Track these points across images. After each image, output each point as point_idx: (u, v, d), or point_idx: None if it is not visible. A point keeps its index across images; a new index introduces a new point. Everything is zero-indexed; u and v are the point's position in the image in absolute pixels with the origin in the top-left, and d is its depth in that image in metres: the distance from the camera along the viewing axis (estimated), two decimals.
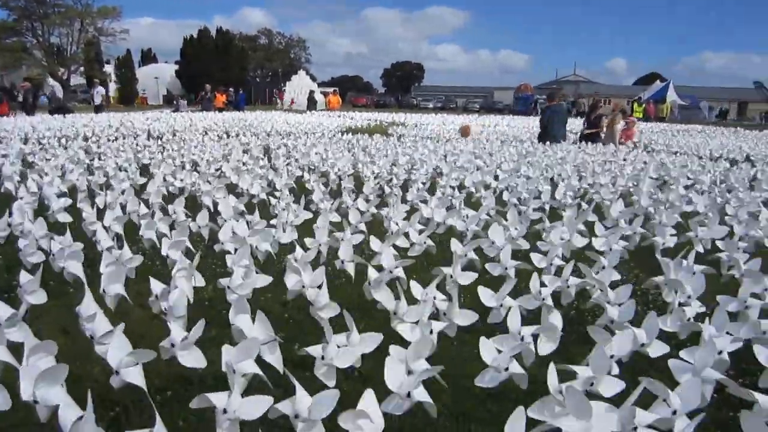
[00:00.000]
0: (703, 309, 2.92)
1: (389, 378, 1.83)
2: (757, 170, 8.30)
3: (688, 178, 7.17)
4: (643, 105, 34.03)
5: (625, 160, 9.06)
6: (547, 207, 5.34)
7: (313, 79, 49.46)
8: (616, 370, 2.20)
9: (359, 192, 5.45)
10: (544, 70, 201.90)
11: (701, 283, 3.02)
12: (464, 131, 14.67)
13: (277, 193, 5.39)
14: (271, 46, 68.70)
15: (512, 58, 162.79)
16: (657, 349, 2.44)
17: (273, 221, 4.16)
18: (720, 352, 2.37)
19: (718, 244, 4.11)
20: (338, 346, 2.04)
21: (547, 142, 11.19)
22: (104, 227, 3.69)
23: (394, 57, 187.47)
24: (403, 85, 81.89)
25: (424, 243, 3.75)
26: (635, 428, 1.77)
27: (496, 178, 6.77)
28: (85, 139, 10.56)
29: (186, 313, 2.22)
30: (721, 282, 3.66)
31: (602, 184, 6.21)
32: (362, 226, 4.15)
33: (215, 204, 4.71)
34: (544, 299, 2.93)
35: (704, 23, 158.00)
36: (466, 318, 2.56)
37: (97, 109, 20.53)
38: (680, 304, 2.95)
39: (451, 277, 2.96)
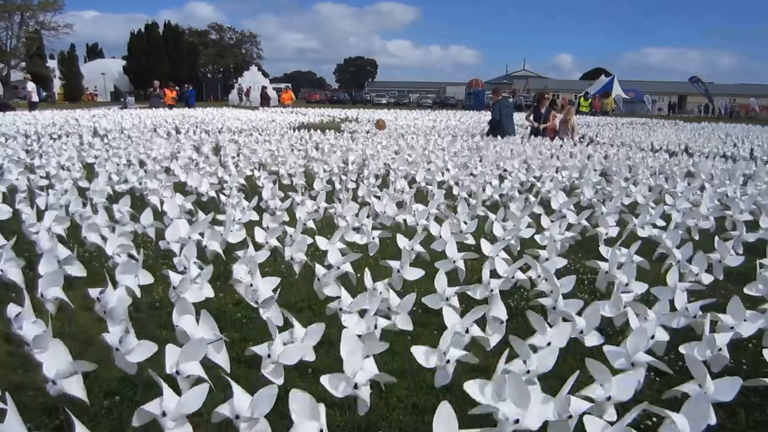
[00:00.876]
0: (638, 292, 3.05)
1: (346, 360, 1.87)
2: (694, 161, 8.66)
3: (630, 170, 7.43)
4: (590, 99, 34.87)
5: (571, 154, 9.30)
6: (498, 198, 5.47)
7: (266, 75, 48.80)
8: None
9: (310, 189, 5.44)
10: (494, 65, 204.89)
11: (642, 271, 3.17)
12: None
13: (227, 191, 5.34)
14: (222, 41, 67.41)
15: (463, 54, 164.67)
16: (592, 339, 2.53)
17: (223, 218, 4.12)
18: (652, 337, 2.49)
19: (656, 233, 4.31)
20: (285, 344, 2.05)
21: (498, 136, 11.54)
22: (46, 229, 3.59)
23: (346, 52, 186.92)
24: (356, 81, 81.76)
25: (374, 239, 3.78)
26: (570, 416, 1.85)
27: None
28: (26, 137, 10.18)
29: (127, 316, 2.18)
30: (661, 271, 3.81)
31: (548, 176, 6.38)
32: (311, 224, 4.15)
33: (163, 203, 4.63)
34: (492, 290, 3.01)
35: (644, 20, 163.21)
36: (407, 323, 2.59)
37: (32, 107, 19.72)
38: (624, 292, 3.07)
39: (399, 272, 3.00)
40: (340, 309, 2.48)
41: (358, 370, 1.91)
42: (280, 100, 32.10)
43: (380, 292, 2.67)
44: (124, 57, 51.16)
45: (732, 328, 2.60)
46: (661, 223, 4.61)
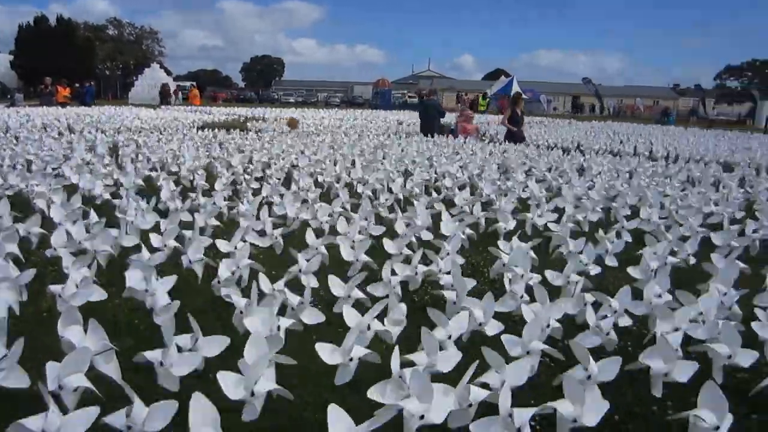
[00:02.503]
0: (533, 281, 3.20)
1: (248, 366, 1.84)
2: (585, 158, 9.20)
3: (524, 164, 7.79)
4: (488, 100, 36.25)
5: (473, 152, 9.61)
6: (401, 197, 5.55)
7: (169, 72, 46.74)
8: (453, 351, 2.33)
9: (212, 189, 5.29)
10: (400, 65, 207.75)
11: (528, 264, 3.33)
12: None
13: (123, 193, 5.08)
14: (121, 37, 63.88)
15: (369, 54, 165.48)
16: (493, 328, 2.64)
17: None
18: (548, 326, 2.63)
19: (551, 226, 4.55)
20: (180, 350, 1.98)
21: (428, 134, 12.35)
22: None
23: (252, 50, 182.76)
24: (263, 80, 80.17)
25: (277, 238, 3.73)
26: (470, 405, 1.92)
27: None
28: None
29: (7, 328, 2.03)
30: (551, 259, 4.03)
31: (450, 173, 6.56)
32: (213, 222, 4.04)
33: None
34: (394, 287, 3.06)
35: (539, 23, 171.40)
36: (312, 316, 2.59)
37: None
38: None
39: (301, 271, 2.99)
40: (240, 312, 2.44)
41: (259, 378, 1.87)
42: (189, 100, 30.51)
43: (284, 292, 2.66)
44: (11, 52, 47.33)
45: (616, 312, 2.81)
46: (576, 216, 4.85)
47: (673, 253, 3.85)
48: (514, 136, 11.54)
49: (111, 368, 1.91)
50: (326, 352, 2.15)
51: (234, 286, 2.80)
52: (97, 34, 58.61)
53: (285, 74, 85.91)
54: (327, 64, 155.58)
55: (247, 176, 5.95)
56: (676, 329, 2.61)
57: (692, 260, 3.91)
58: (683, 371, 2.17)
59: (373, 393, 1.82)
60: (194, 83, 36.03)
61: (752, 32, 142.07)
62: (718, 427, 1.84)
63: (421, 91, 14.39)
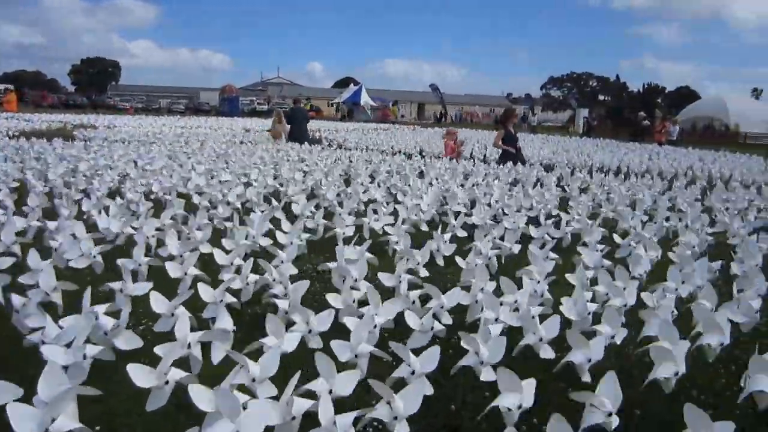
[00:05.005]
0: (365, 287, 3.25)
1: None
2: (425, 162, 9.61)
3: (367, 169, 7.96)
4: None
5: (319, 158, 9.63)
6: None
7: None
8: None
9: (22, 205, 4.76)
10: (249, 71, 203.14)
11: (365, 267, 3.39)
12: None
13: None
14: None
15: (215, 59, 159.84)
16: (315, 342, 2.62)
17: None
18: (375, 326, 2.67)
19: (387, 229, 4.66)
20: None
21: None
22: None
23: (82, 51, 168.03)
24: (97, 84, 74.17)
25: (95, 257, 3.43)
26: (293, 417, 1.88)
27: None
28: None
29: None
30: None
31: (295, 180, 6.50)
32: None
33: None
34: (221, 300, 2.93)
35: (386, 32, 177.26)
36: (129, 341, 2.40)
37: None
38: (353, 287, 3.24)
39: (122, 291, 2.77)
40: (42, 341, 2.19)
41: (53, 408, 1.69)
42: (3, 105, 26.68)
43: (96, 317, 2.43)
44: None
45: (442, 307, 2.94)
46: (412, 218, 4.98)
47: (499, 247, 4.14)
48: (510, 157, 9.60)
49: None
50: (139, 374, 1.99)
51: (38, 313, 2.51)
52: None
53: (122, 78, 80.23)
54: (169, 69, 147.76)
55: (67, 189, 5.43)
56: (496, 319, 2.79)
57: (515, 251, 4.22)
58: (495, 353, 2.32)
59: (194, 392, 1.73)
60: (11, 86, 32.12)
61: (571, 47, 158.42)
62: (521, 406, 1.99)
63: (280, 99, 14.01)
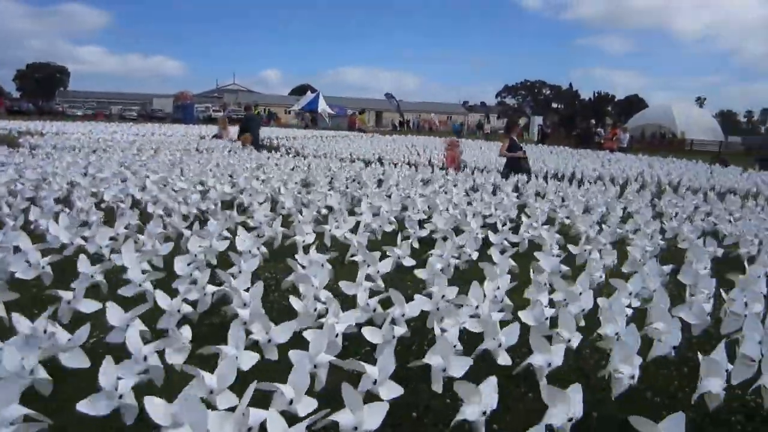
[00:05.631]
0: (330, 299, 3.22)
1: None
2: (384, 170, 9.63)
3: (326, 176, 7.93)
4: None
5: (276, 165, 9.54)
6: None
7: None
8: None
9: None
10: (203, 78, 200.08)
11: (326, 275, 3.36)
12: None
13: None
14: None
15: (168, 65, 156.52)
16: (273, 353, 2.58)
17: None
18: (337, 335, 2.65)
19: (348, 236, 4.64)
20: None
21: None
22: None
23: (26, 56, 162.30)
24: (44, 90, 71.75)
25: (44, 268, 3.30)
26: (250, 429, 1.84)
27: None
28: None
29: None
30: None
31: (252, 188, 6.41)
32: None
33: None
34: (179, 310, 2.86)
35: (342, 41, 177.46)
36: (76, 359, 2.32)
37: None
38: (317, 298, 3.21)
39: (69, 303, 2.66)
40: None
41: None
42: None
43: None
44: None
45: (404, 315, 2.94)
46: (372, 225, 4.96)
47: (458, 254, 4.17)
48: (517, 166, 9.33)
49: None
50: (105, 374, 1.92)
51: None
52: None
53: (71, 84, 77.84)
54: (120, 75, 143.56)
55: (12, 198, 5.22)
56: (456, 326, 2.80)
57: (474, 257, 4.26)
58: (458, 366, 2.32)
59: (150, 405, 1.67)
60: None
61: (524, 56, 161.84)
62: (485, 412, 2.00)
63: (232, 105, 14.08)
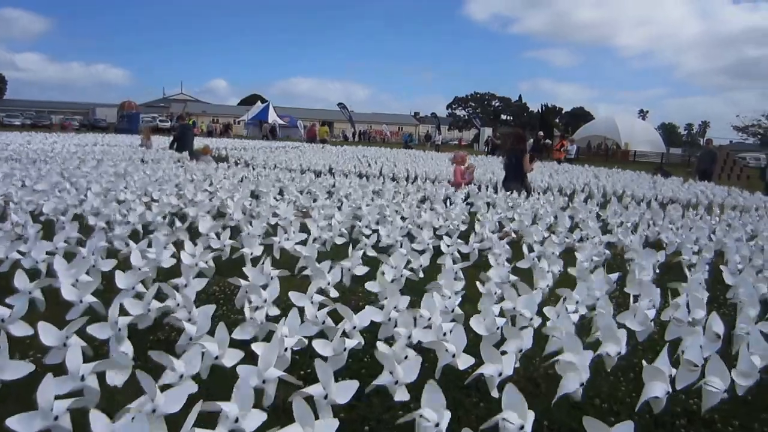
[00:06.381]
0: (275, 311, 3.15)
1: None
2: (335, 181, 9.59)
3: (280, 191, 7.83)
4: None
5: (225, 176, 9.37)
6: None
7: None
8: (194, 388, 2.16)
9: None
10: (149, 87, 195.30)
11: (276, 288, 3.30)
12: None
13: None
14: None
15: (112, 74, 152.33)
16: (231, 358, 2.51)
17: None
18: (286, 349, 2.59)
19: (299, 248, 4.57)
20: None
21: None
22: None
23: None
24: None
25: None
26: None
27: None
28: None
29: None
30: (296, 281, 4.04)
31: (197, 201, 6.26)
32: None
33: None
34: (120, 329, 2.74)
35: (292, 51, 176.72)
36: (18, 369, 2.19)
37: None
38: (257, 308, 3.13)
39: (3, 321, 2.52)
40: None
41: None
42: None
43: None
44: None
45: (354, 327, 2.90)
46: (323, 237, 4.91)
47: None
48: (512, 182, 9.08)
49: None
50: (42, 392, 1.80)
51: None
52: None
53: (8, 93, 74.76)
54: (61, 84, 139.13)
55: None
56: (409, 336, 2.78)
57: (422, 268, 4.26)
58: (410, 372, 2.31)
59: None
60: None
61: (474, 68, 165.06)
62: (438, 424, 1.98)
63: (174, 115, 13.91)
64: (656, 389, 2.37)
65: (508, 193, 8.54)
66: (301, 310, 3.10)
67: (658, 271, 4.63)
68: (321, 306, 3.11)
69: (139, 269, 3.59)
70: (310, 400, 2.11)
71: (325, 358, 2.60)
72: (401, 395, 2.30)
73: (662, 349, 2.50)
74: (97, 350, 2.73)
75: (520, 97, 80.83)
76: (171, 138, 16.26)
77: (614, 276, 4.08)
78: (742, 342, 2.88)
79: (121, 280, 3.31)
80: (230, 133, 38.71)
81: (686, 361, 2.59)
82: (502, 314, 3.17)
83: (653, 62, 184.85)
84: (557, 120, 68.37)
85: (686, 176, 15.56)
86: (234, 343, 2.59)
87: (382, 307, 3.10)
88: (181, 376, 2.20)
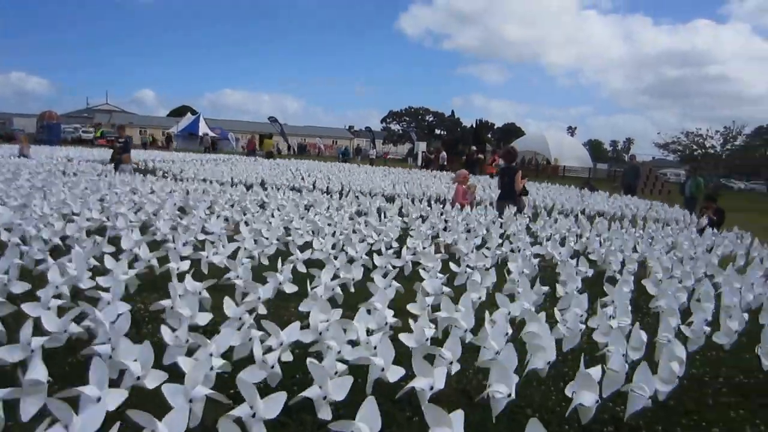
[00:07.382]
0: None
1: None
2: (268, 192, 9.42)
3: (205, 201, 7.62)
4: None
5: (152, 190, 9.03)
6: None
7: None
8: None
9: None
10: (72, 97, 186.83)
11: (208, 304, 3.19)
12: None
13: None
14: None
15: (29, 83, 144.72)
16: (155, 380, 2.38)
17: None
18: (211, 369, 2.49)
19: (227, 263, 4.43)
20: None
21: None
22: None
23: None
24: None
25: None
26: None
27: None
28: None
29: None
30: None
31: (122, 214, 5.99)
32: None
33: None
34: (33, 350, 2.56)
35: (223, 63, 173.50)
36: None
37: None
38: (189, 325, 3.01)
39: None
40: None
41: None
42: None
43: None
44: None
45: (282, 344, 2.82)
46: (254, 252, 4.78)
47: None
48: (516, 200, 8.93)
49: None
50: None
51: None
52: None
53: None
54: None
55: None
56: (339, 351, 2.74)
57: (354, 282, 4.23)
58: (339, 390, 2.27)
59: None
60: None
61: (408, 83, 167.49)
62: None
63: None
64: (584, 397, 2.42)
65: (497, 213, 8.56)
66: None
67: (584, 282, 4.77)
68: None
69: (56, 286, 3.39)
70: (240, 421, 2.04)
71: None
72: (325, 413, 2.25)
73: (590, 358, 2.56)
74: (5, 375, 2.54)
75: (453, 112, 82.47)
76: (112, 152, 15.30)
77: (544, 288, 4.16)
78: (663, 350, 2.99)
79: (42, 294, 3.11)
80: (171, 146, 37.36)
81: (610, 368, 2.67)
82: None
83: (580, 80, 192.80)
84: (489, 135, 70.15)
85: (612, 190, 16.24)
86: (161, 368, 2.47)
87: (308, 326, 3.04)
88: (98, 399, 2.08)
